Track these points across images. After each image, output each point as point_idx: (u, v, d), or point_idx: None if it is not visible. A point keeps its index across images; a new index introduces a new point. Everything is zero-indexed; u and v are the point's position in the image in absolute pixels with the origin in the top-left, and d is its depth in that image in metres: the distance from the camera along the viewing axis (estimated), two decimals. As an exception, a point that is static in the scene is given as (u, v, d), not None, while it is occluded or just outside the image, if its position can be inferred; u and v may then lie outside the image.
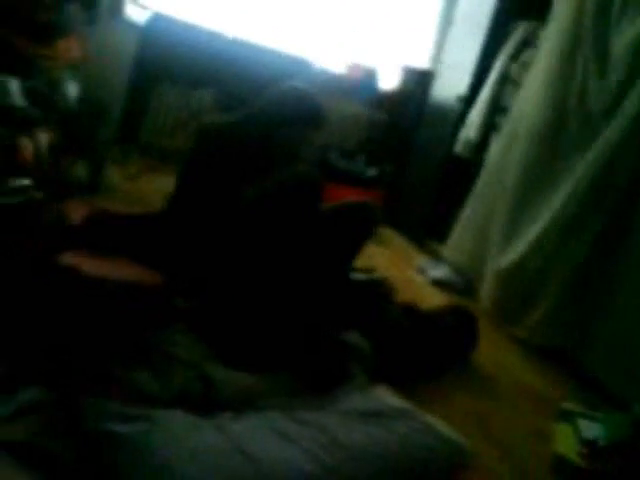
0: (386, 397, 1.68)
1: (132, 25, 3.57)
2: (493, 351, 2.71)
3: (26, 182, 1.87)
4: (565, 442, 2.11)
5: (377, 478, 1.41)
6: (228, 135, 2.30)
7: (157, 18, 3.47)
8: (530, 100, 3.11)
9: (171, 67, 3.51)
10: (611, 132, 2.66)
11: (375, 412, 1.56)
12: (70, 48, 2.68)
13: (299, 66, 3.89)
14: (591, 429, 2.13)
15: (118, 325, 1.73)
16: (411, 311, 2.42)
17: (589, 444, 2.05)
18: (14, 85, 2.15)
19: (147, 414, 1.35)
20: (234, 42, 3.66)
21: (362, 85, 4.32)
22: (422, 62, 4.41)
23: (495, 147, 3.44)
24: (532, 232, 2.96)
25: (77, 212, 2.46)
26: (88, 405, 1.33)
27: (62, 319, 1.65)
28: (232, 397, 1.62)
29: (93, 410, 1.32)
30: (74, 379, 1.49)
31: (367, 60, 4.33)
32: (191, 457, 1.24)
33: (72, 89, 2.72)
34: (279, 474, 1.29)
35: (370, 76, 4.33)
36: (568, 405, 2.30)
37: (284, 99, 2.28)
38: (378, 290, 2.39)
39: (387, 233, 4.21)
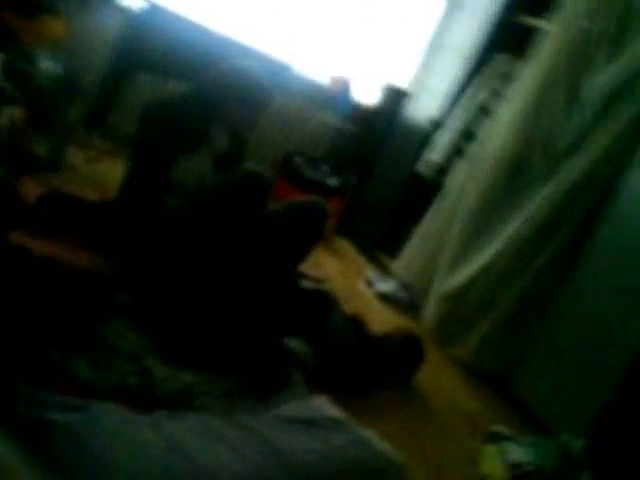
0: (324, 407, 1.70)
1: (122, 10, 3.54)
2: (431, 371, 2.75)
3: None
4: (491, 464, 2.17)
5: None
6: (172, 111, 2.28)
7: (147, 7, 3.43)
8: (499, 130, 3.18)
9: (152, 56, 3.47)
10: (571, 171, 2.76)
11: (312, 421, 1.58)
12: (55, 26, 2.63)
13: (277, 69, 3.89)
14: (517, 453, 2.19)
15: (62, 309, 1.72)
16: (358, 325, 2.46)
17: (514, 467, 2.12)
18: (-7, 58, 2.10)
19: (84, 405, 1.34)
20: (219, 39, 3.65)
21: (338, 96, 4.35)
22: (402, 82, 4.46)
23: (457, 172, 3.50)
24: (480, 259, 3.04)
25: (32, 190, 2.43)
26: (23, 391, 1.32)
27: (7, 299, 1.63)
28: (170, 395, 1.63)
29: (28, 396, 1.30)
30: (11, 361, 1.48)
31: (346, 73, 4.37)
32: (124, 452, 1.24)
33: (50, 67, 2.67)
34: (210, 473, 1.29)
35: (346, 89, 4.36)
36: (497, 428, 2.36)
37: (229, 77, 2.29)
38: (324, 300, 2.41)
39: (340, 243, 4.25)
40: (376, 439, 1.64)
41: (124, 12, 3.53)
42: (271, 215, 2.29)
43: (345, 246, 4.25)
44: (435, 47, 4.31)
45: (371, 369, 2.34)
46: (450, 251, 3.26)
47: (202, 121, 2.29)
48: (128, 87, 3.61)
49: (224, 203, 2.20)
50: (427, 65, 4.34)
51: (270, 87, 2.38)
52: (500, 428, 2.36)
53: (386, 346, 2.45)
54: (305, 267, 2.57)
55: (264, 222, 2.26)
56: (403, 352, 2.50)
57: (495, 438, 2.30)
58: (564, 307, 2.72)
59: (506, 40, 3.66)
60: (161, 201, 2.22)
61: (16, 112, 2.31)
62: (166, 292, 2.00)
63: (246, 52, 3.72)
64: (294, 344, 2.08)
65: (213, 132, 2.34)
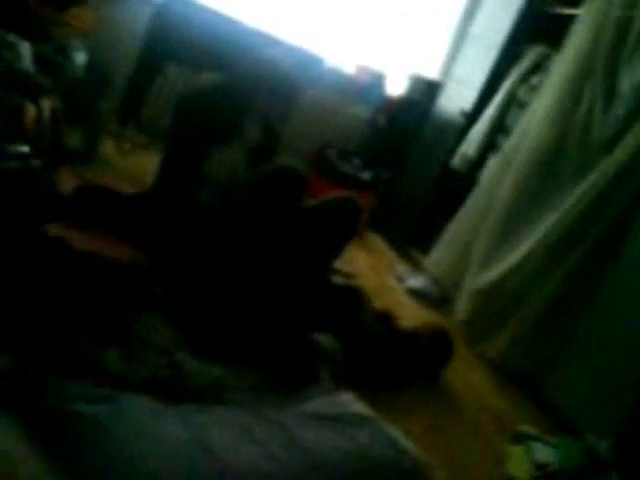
0: (351, 403, 1.70)
1: (148, 1, 3.57)
2: (460, 368, 2.74)
3: (26, 149, 1.88)
4: (517, 464, 2.16)
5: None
6: (205, 102, 2.29)
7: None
8: (534, 124, 3.12)
9: (182, 48, 3.47)
10: (608, 165, 2.68)
11: (338, 417, 1.58)
12: (83, 17, 2.68)
13: (310, 62, 3.88)
14: (544, 453, 2.17)
15: (97, 302, 1.74)
16: (387, 320, 2.45)
17: (540, 468, 2.10)
18: (26, 49, 2.14)
19: (113, 396, 1.36)
20: (248, 30, 3.64)
21: (369, 88, 4.33)
22: (431, 73, 4.42)
23: (491, 166, 3.46)
24: (513, 256, 2.99)
25: (68, 182, 2.47)
26: (53, 382, 1.34)
27: (46, 289, 1.66)
28: (200, 388, 1.64)
29: (58, 388, 1.32)
30: (44, 351, 1.50)
31: (376, 64, 4.35)
32: (151, 447, 1.25)
33: (81, 58, 2.71)
34: (236, 471, 1.30)
35: (378, 80, 4.34)
36: (524, 428, 2.34)
37: (258, 68, 2.29)
38: (355, 296, 2.41)
39: (371, 238, 4.24)
40: (402, 438, 1.64)
41: (149, 2, 3.56)
42: (306, 211, 2.30)
43: (376, 241, 4.24)
44: (463, 37, 4.26)
45: (400, 364, 2.34)
46: (483, 247, 3.22)
47: (234, 113, 2.29)
48: (159, 79, 3.64)
49: (258, 198, 2.21)
50: (456, 56, 4.29)
51: (299, 78, 2.37)
52: (527, 428, 2.34)
53: (415, 341, 2.44)
54: (337, 263, 2.57)
55: (300, 217, 2.27)
56: (432, 348, 2.49)
57: (521, 438, 2.28)
58: (598, 309, 2.65)
59: (539, 30, 3.59)
60: (194, 194, 2.24)
61: (50, 104, 2.34)
62: (198, 286, 2.02)
63: (277, 44, 3.72)
64: (323, 339, 2.08)
65: (246, 124, 2.34)
